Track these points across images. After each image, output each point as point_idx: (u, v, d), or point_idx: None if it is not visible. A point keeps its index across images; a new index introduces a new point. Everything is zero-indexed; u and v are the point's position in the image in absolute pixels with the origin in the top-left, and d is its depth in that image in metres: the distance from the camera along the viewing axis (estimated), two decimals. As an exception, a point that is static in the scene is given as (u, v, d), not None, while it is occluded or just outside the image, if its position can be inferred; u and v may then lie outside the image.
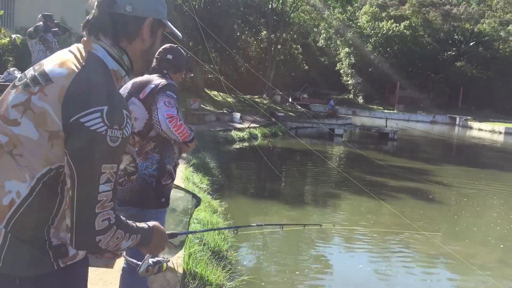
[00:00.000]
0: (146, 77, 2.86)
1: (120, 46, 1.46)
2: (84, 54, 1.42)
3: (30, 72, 1.43)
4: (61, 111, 1.30)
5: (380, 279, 6.07)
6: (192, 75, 29.55)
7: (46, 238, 1.37)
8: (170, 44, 3.09)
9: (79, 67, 1.36)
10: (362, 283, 5.86)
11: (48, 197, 1.36)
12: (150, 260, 1.67)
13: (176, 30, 1.59)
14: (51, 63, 1.39)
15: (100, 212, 1.31)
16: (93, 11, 1.46)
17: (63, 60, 1.39)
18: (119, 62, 1.46)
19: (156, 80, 2.83)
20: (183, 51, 3.12)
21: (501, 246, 7.86)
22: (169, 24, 1.56)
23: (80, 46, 1.45)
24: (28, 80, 1.39)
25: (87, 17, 1.48)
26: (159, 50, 3.01)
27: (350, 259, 6.73)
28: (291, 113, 29.09)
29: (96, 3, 1.45)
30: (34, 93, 1.34)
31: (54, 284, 1.39)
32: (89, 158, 1.29)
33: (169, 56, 3.01)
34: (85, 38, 1.46)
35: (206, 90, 30.35)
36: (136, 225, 1.48)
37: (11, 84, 1.45)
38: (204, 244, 4.93)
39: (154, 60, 2.99)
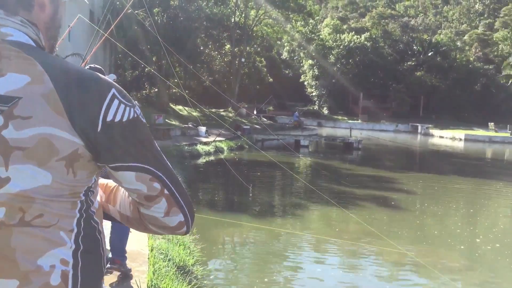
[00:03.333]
0: None
1: (29, 21, 1.02)
2: None
3: None
4: (71, 122, 0.94)
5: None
6: (156, 90, 29.38)
7: None
8: (91, 66, 3.85)
9: (34, 62, 0.96)
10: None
11: (94, 240, 1.05)
12: None
13: None
14: None
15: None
16: None
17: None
18: (38, 43, 1.04)
19: None
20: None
21: (462, 247, 8.08)
22: None
23: None
24: None
25: None
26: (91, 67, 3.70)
27: (318, 270, 6.77)
28: (257, 126, 29.21)
29: None
30: (2, 126, 0.92)
31: None
32: (148, 147, 1.03)
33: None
34: None
35: (171, 105, 30.19)
36: None
37: None
38: (169, 260, 4.86)
39: None
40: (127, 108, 0.99)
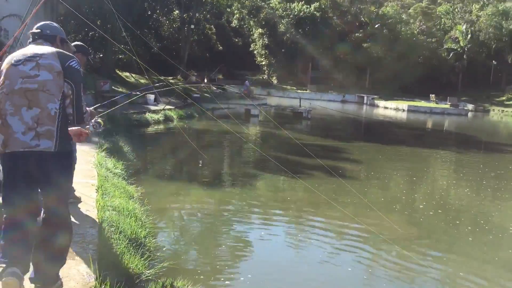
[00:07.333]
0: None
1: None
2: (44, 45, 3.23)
3: (22, 54, 3.12)
4: (60, 62, 3.07)
5: (296, 257, 6.25)
6: (101, 55, 28.19)
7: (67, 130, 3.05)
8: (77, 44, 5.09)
9: (52, 47, 3.19)
10: (280, 262, 6.00)
11: (64, 107, 3.06)
12: (93, 121, 4.00)
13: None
14: (34, 49, 3.15)
15: (83, 103, 3.21)
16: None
17: (39, 47, 3.16)
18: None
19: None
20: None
21: (406, 213, 8.44)
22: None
23: (39, 43, 3.27)
24: (27, 57, 3.07)
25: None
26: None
27: (268, 239, 6.83)
28: (206, 94, 28.84)
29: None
30: (38, 59, 3.05)
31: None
32: (78, 80, 3.11)
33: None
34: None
35: (117, 71, 29.15)
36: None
37: (11, 63, 3.09)
38: (120, 232, 4.73)
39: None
40: (77, 65, 3.19)
